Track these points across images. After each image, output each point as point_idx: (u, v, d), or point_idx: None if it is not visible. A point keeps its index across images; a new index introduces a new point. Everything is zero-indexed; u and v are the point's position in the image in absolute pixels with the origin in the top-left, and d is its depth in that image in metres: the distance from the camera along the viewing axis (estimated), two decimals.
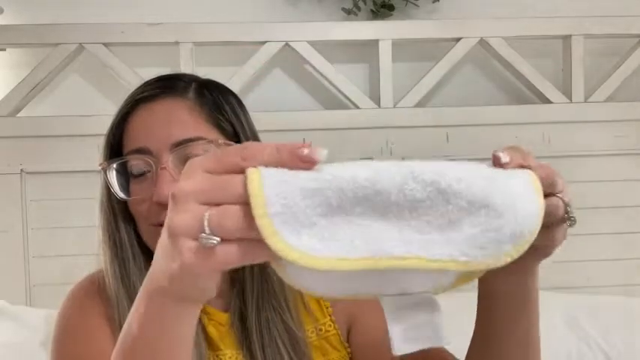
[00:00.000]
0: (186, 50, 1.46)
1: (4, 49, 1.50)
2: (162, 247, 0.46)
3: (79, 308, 0.81)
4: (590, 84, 1.58)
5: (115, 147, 0.81)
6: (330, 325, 0.86)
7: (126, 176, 0.79)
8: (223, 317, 0.82)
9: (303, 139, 1.49)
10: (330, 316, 0.86)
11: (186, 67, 1.45)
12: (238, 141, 0.81)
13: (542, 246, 0.53)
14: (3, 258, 1.43)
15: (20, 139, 1.43)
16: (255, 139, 0.84)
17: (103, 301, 0.80)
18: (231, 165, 0.43)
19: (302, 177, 0.40)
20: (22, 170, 1.43)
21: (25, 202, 1.44)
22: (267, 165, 0.41)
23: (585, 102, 1.56)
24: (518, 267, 0.54)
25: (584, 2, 1.63)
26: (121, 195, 0.78)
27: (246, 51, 1.49)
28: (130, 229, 0.81)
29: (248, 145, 0.43)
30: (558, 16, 1.57)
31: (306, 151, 0.41)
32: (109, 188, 0.80)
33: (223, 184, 0.42)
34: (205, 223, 0.41)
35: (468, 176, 0.41)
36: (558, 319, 1.34)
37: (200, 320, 0.80)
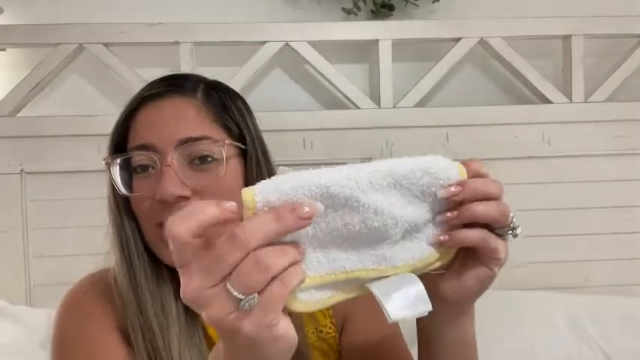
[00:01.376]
0: (186, 50, 1.46)
1: (4, 49, 1.50)
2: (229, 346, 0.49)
3: (78, 311, 0.80)
4: (590, 84, 1.58)
5: (120, 143, 0.80)
6: (331, 328, 0.86)
7: (129, 172, 0.79)
8: None
9: (303, 139, 1.49)
10: (330, 317, 0.86)
11: (186, 67, 1.45)
12: (244, 143, 0.81)
13: (483, 271, 0.57)
14: (3, 258, 1.43)
15: (20, 139, 1.43)
16: (260, 142, 0.84)
17: (106, 302, 0.79)
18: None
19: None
20: (22, 170, 1.43)
21: (25, 202, 1.44)
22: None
23: (585, 102, 1.56)
24: (456, 311, 0.62)
25: (584, 2, 1.63)
26: (124, 191, 0.78)
27: (246, 51, 1.49)
28: (134, 227, 0.80)
29: (240, 233, 0.45)
30: (558, 16, 1.57)
31: (306, 209, 0.45)
32: (114, 185, 0.79)
33: (216, 257, 0.45)
34: (233, 292, 0.44)
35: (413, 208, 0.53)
36: (558, 319, 1.34)
37: (200, 321, 0.80)
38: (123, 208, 0.80)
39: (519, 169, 1.55)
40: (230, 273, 0.45)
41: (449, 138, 1.54)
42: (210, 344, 0.80)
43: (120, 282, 0.78)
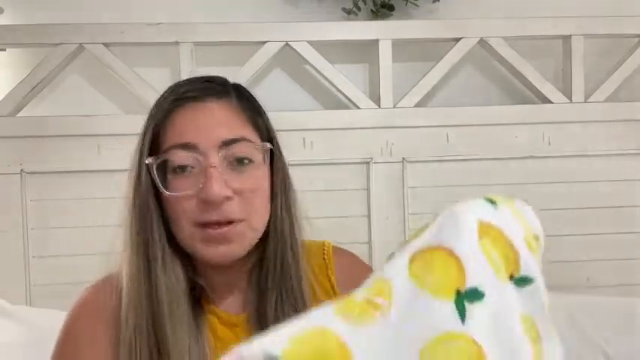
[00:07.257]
0: (186, 50, 1.46)
1: (4, 49, 1.50)
2: None
3: (73, 341, 0.80)
4: (590, 84, 1.58)
5: (154, 143, 0.80)
6: None
7: (163, 172, 0.78)
8: (237, 319, 0.82)
9: (303, 139, 1.49)
10: None
11: (186, 67, 1.45)
12: (271, 141, 0.84)
13: None
14: (3, 258, 1.43)
15: (20, 139, 1.43)
16: (278, 143, 0.87)
17: (105, 318, 0.79)
18: None
19: None
20: (22, 170, 1.43)
21: (25, 202, 1.43)
22: None
23: (585, 102, 1.56)
24: None
25: (584, 2, 1.63)
26: (168, 192, 0.77)
27: (246, 51, 1.49)
28: (162, 230, 0.79)
29: None
30: (558, 16, 1.57)
31: None
32: (141, 185, 0.78)
33: None
34: None
35: None
36: (558, 319, 1.34)
37: (206, 321, 0.80)
38: (153, 207, 0.79)
39: (519, 169, 1.55)
40: None
41: (449, 138, 1.54)
42: (225, 346, 0.80)
43: (127, 284, 0.77)
